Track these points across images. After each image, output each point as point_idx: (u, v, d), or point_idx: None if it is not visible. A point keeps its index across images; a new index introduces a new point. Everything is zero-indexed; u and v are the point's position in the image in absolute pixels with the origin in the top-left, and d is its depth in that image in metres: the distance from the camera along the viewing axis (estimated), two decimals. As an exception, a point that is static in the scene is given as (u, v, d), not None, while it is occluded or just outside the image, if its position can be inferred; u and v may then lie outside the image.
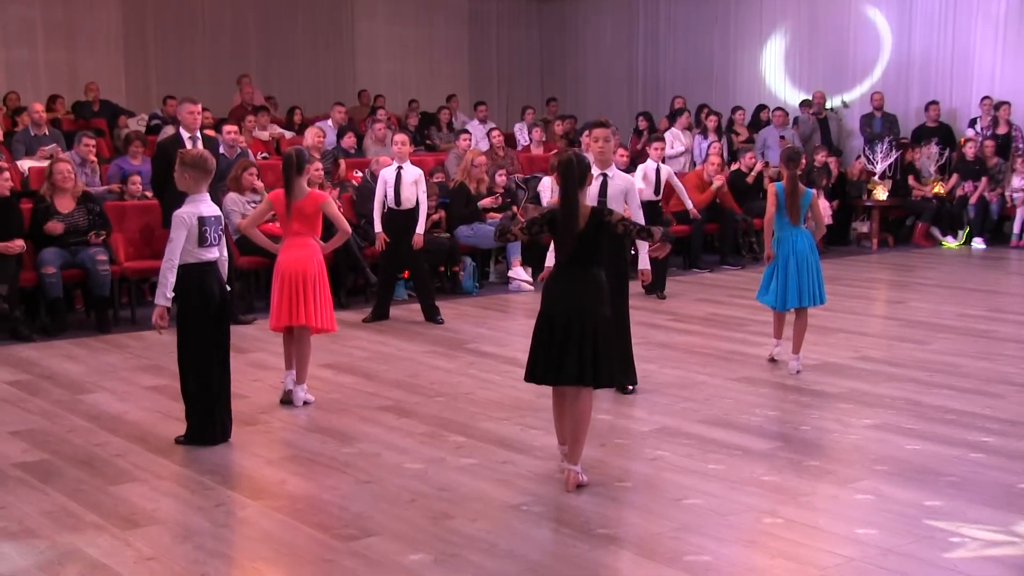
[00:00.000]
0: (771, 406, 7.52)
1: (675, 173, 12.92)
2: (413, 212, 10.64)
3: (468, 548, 5.00)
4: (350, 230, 8.01)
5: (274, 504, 5.64)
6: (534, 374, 5.85)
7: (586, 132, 8.03)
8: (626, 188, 7.50)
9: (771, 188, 8.53)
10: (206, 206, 6.59)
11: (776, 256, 8.48)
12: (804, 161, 10.34)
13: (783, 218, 8.44)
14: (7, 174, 10.14)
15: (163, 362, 8.87)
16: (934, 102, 17.35)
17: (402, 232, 10.62)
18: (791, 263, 8.42)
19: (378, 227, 10.71)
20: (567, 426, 5.86)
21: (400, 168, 10.55)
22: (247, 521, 5.43)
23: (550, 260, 6.71)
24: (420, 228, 10.74)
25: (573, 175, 5.70)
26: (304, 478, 6.05)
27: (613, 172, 7.53)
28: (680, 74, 20.79)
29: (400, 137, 10.79)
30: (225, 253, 6.93)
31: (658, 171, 11.87)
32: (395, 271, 11.15)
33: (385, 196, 10.63)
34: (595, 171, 7.28)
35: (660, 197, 12.02)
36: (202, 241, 6.54)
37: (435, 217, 12.55)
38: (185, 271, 6.57)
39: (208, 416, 6.64)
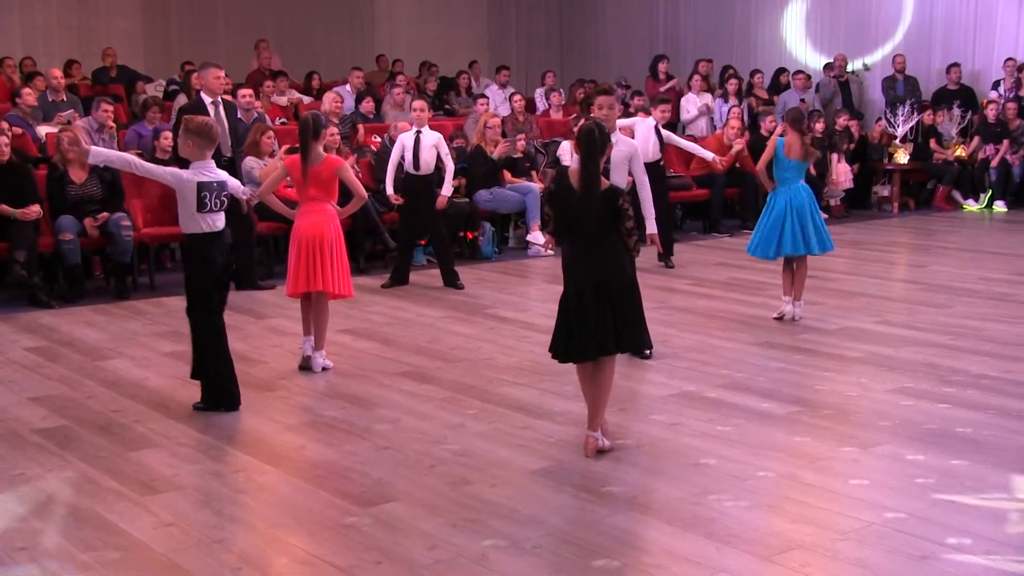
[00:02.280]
0: (791, 370, 7.47)
1: (696, 138, 12.80)
2: (431, 177, 10.60)
3: (488, 514, 4.98)
4: (366, 195, 7.96)
5: (293, 470, 5.63)
6: (563, 352, 5.78)
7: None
8: (630, 153, 7.37)
9: (772, 140, 9.05)
10: (207, 172, 6.54)
11: (774, 208, 8.90)
12: (807, 122, 10.76)
13: (783, 172, 8.90)
14: (4, 139, 10.07)
15: (183, 328, 8.80)
16: (955, 64, 17.15)
17: (421, 197, 10.58)
18: (788, 214, 8.80)
19: (390, 189, 10.69)
20: (589, 392, 5.82)
21: (419, 132, 10.50)
22: (266, 487, 5.41)
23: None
24: (446, 189, 10.75)
25: (595, 145, 5.65)
26: (323, 444, 6.03)
27: (617, 138, 7.41)
28: (701, 37, 20.59)
29: (419, 103, 10.75)
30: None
31: (658, 131, 11.20)
32: (414, 236, 11.12)
33: (402, 160, 10.59)
34: None
35: (661, 158, 11.40)
36: (201, 206, 6.48)
37: (455, 183, 12.48)
38: (190, 240, 6.57)
39: (219, 382, 6.64)
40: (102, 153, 6.71)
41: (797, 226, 8.77)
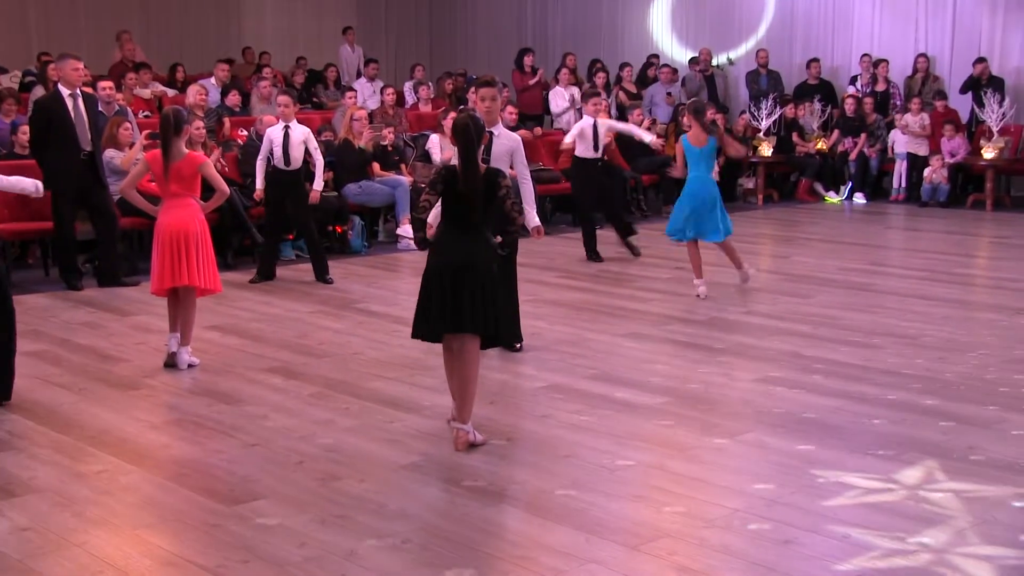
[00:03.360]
0: (659, 361, 7.56)
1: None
2: (300, 172, 10.49)
3: (357, 509, 4.94)
4: (228, 191, 7.82)
5: (158, 469, 5.50)
6: (422, 330, 5.81)
7: (472, 90, 7.90)
8: (512, 147, 7.38)
9: (678, 146, 9.71)
10: None
11: (684, 196, 9.57)
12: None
13: (699, 160, 9.47)
14: None
15: (42, 327, 8.63)
16: (815, 59, 17.60)
17: (289, 191, 10.45)
18: (695, 204, 9.48)
19: (260, 184, 10.57)
20: (454, 385, 5.81)
21: (287, 127, 10.35)
22: (130, 487, 5.28)
23: (432, 217, 6.65)
24: (318, 184, 10.70)
25: (471, 137, 5.70)
26: (189, 442, 5.92)
27: (499, 131, 7.40)
28: (569, 30, 20.75)
29: (283, 98, 10.60)
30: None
31: (595, 127, 11.45)
32: (281, 231, 10.98)
33: (271, 155, 10.43)
34: None
35: (601, 154, 11.71)
36: None
37: (324, 176, 12.34)
38: None
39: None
40: None
41: (718, 213, 9.50)
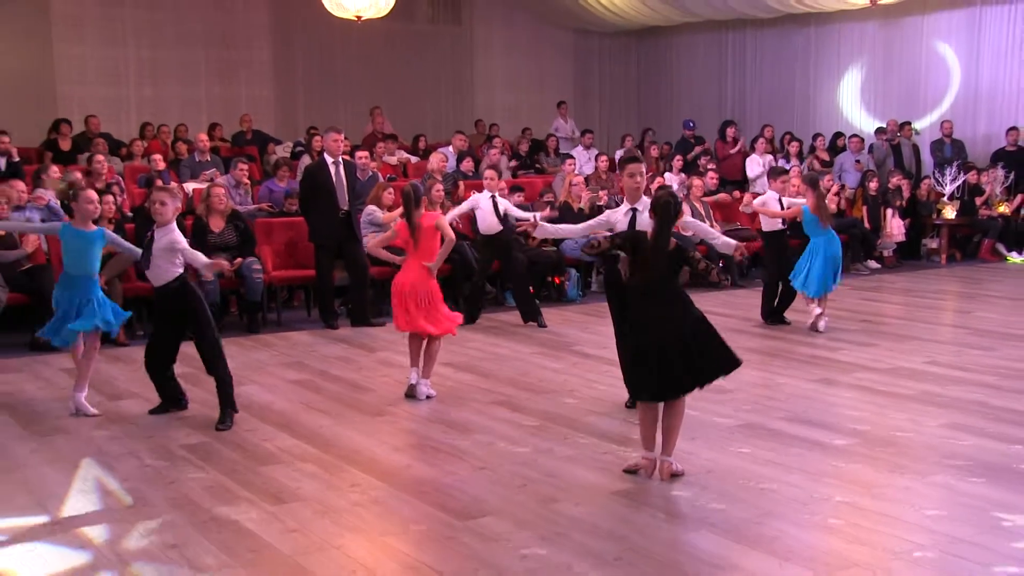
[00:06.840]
0: (848, 406, 7.35)
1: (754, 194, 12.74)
2: (505, 233, 10.85)
3: (572, 529, 4.99)
4: (454, 237, 7.92)
5: (401, 486, 5.68)
6: (645, 395, 5.75)
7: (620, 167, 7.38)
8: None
9: (797, 208, 10.07)
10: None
11: (815, 253, 9.89)
12: (823, 182, 12.18)
13: (815, 225, 9.88)
14: (108, 197, 10.13)
15: (305, 360, 9.03)
16: (1014, 128, 16.70)
17: (500, 251, 10.84)
18: (819, 260, 9.81)
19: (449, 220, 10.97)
20: (663, 420, 5.79)
21: (493, 196, 10.70)
22: (378, 500, 5.48)
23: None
24: (531, 216, 11.25)
25: (670, 215, 5.66)
26: (427, 463, 6.09)
27: (643, 206, 6.85)
28: (765, 103, 20.51)
29: (489, 172, 11.05)
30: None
31: (780, 203, 10.54)
32: (491, 282, 11.56)
33: (474, 215, 10.93)
34: (625, 206, 7.05)
35: (786, 227, 10.70)
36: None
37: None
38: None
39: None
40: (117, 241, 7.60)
41: (828, 269, 9.90)
